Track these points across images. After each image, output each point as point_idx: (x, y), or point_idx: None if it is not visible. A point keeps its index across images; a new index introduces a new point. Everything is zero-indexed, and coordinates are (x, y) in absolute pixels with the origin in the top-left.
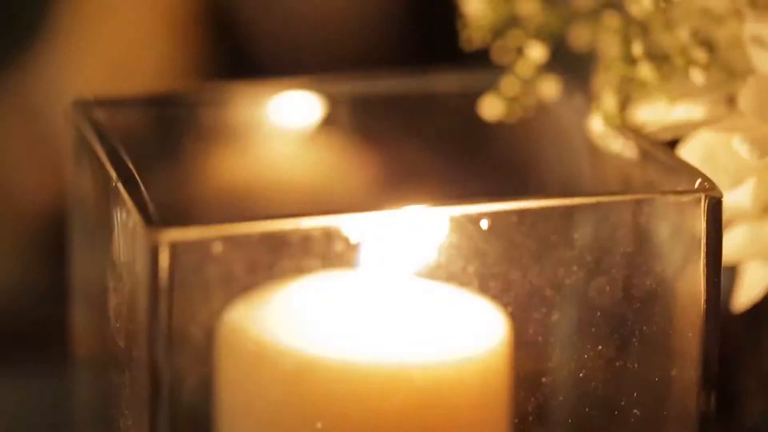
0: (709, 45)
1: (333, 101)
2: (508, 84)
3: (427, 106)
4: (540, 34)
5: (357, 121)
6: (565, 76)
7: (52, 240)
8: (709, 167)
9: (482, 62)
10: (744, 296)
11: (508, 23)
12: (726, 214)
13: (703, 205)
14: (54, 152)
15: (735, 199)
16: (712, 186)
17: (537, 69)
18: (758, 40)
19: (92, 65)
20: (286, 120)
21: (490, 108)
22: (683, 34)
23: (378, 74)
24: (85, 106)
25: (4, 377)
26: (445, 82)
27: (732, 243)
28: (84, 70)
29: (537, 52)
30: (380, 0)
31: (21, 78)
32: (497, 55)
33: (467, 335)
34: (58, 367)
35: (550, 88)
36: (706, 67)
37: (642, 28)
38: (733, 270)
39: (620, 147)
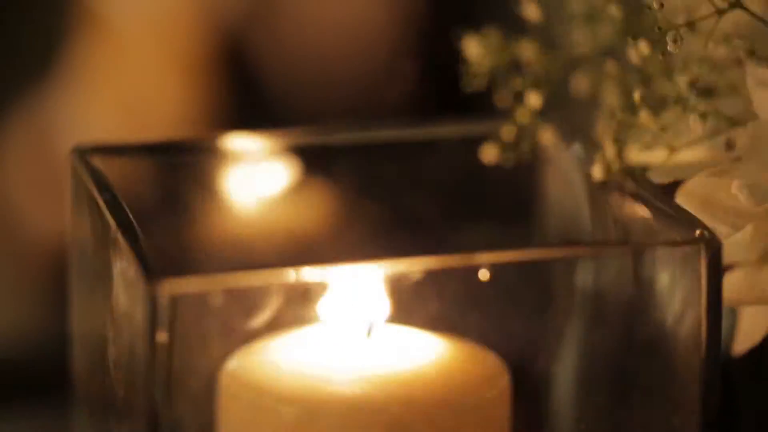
0: (708, 93)
1: (336, 150)
2: (508, 129)
3: (428, 153)
4: (539, 81)
5: (359, 169)
6: (565, 122)
7: (56, 284)
8: (707, 212)
9: (486, 110)
10: (743, 341)
11: (508, 68)
12: (725, 258)
13: (702, 255)
14: (61, 196)
15: (734, 243)
16: (712, 235)
17: (535, 115)
18: (761, 86)
19: (103, 109)
20: (286, 169)
21: (490, 153)
22: (682, 82)
23: (381, 123)
24: (84, 153)
25: (4, 422)
26: (446, 129)
27: (730, 286)
28: (93, 114)
29: (535, 99)
30: (389, 50)
31: (29, 119)
32: (499, 100)
33: (467, 384)
34: (58, 414)
35: (548, 134)
36: (704, 115)
37: (642, 75)
38: (734, 313)
39: (621, 194)
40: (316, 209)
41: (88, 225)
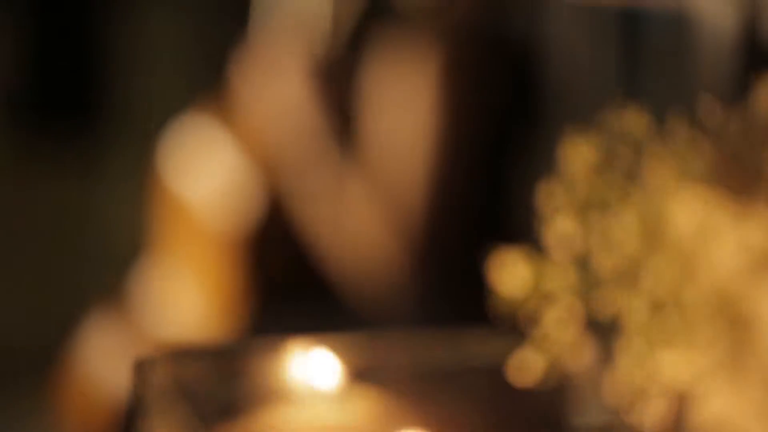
0: (726, 319)
1: (369, 361)
2: (536, 354)
3: (458, 366)
4: (566, 312)
5: (391, 377)
6: (589, 343)
7: None
8: None
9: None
10: None
11: (537, 297)
12: None
13: None
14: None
15: None
16: None
17: (562, 343)
18: None
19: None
20: (317, 377)
21: (517, 377)
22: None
23: (412, 335)
24: (143, 364)
25: None
26: (475, 344)
27: None
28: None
29: (563, 334)
30: (418, 269)
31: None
32: (525, 324)
33: None
34: None
35: (574, 359)
36: (721, 337)
37: (656, 301)
38: None
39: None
40: (351, 414)
41: (150, 428)
